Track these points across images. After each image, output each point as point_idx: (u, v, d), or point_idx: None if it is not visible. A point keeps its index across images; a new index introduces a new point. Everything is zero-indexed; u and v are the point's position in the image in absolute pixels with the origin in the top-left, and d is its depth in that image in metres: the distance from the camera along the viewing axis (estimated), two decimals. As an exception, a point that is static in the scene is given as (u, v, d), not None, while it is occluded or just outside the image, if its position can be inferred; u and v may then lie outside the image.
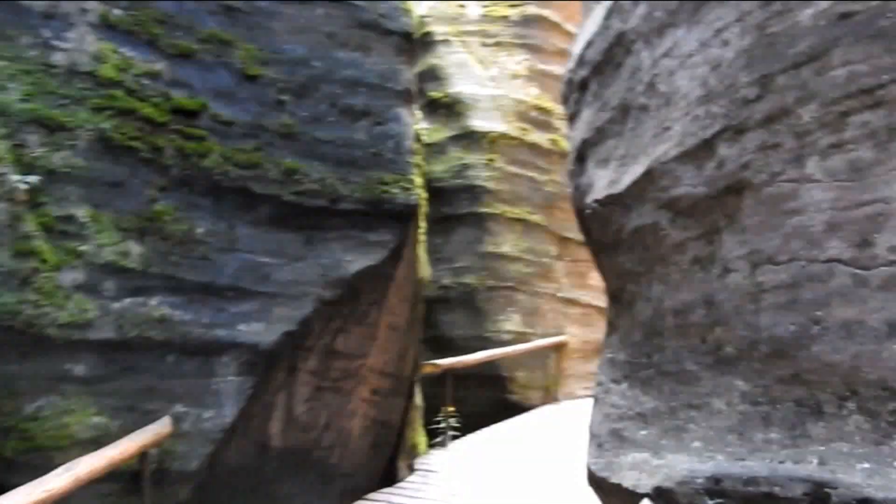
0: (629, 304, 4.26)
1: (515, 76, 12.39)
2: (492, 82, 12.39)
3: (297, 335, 5.64)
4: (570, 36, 12.95)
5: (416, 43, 6.81)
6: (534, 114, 12.33)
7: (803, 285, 2.86)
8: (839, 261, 2.72)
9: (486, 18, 12.76)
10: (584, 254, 12.80)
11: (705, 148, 3.40)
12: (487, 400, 11.12)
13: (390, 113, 6.28)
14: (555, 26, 12.74)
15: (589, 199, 4.55)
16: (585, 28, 4.88)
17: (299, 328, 5.65)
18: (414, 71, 6.92)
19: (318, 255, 5.82)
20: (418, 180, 6.34)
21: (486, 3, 12.89)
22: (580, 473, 7.49)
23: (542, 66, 12.56)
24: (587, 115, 4.64)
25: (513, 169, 11.97)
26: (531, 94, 12.40)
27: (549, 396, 11.73)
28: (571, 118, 5.07)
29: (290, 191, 5.77)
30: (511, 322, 11.64)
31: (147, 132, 5.24)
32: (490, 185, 11.79)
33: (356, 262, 5.90)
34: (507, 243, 11.80)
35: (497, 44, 12.64)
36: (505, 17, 12.69)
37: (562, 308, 12.27)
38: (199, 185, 5.42)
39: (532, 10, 12.65)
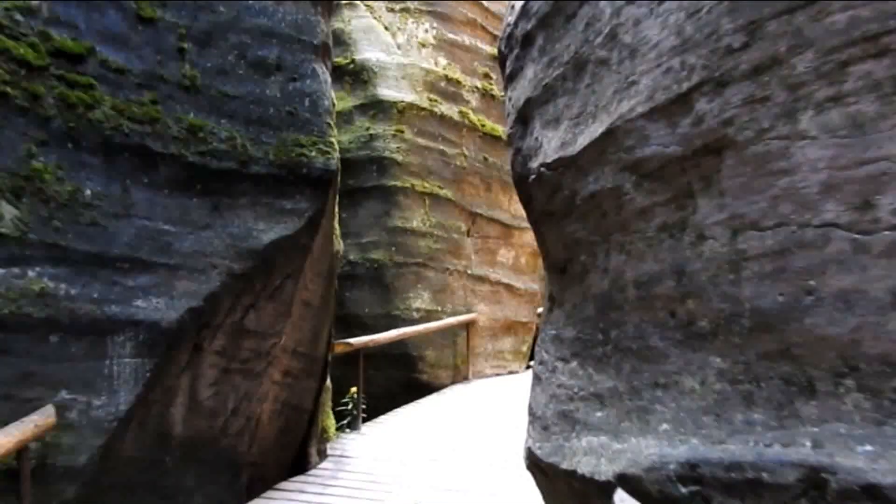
0: (580, 277, 3.97)
1: (423, 44, 11.95)
2: (399, 50, 11.90)
3: (203, 312, 5.05)
4: (480, 6, 12.63)
5: (332, -6, 6.27)
6: (443, 84, 11.94)
7: (794, 252, 2.61)
8: (836, 225, 2.47)
9: (394, -17, 12.23)
10: (493, 230, 12.62)
11: (680, 103, 3.11)
12: (396, 380, 10.76)
13: (306, 68, 5.72)
14: (465, -5, 12.38)
15: (534, 164, 4.22)
16: (527, -21, 4.52)
17: (205, 304, 5.07)
18: (331, 25, 6.37)
19: (226, 223, 5.23)
20: (336, 143, 5.83)
21: (395, -33, 12.35)
22: (501, 455, 7.33)
23: (451, 36, 12.17)
24: (532, 72, 4.30)
25: (422, 141, 11.57)
26: (440, 63, 12.00)
27: (459, 375, 11.50)
28: (511, 77, 4.71)
29: (193, 150, 5.14)
30: (420, 300, 11.29)
31: (22, 77, 4.47)
32: (398, 157, 11.34)
33: (269, 231, 5.36)
34: (416, 218, 11.41)
35: (404, 10, 12.14)
36: (414, -17, 12.20)
37: (471, 285, 12.03)
38: (88, 141, 4.71)
39: (442, -24, 12.23)
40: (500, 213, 12.57)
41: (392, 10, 12.12)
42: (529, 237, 13.25)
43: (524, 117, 4.40)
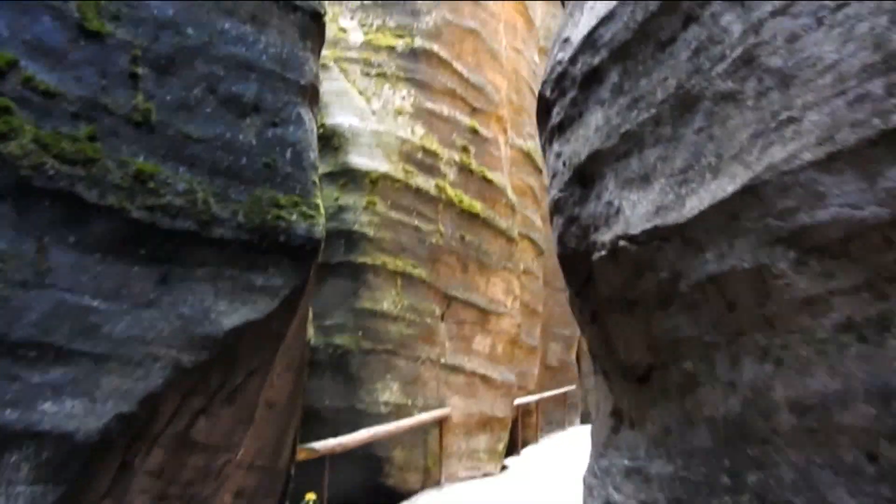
0: (680, 391, 2.87)
1: (400, 112, 11.06)
2: (374, 116, 10.97)
3: (136, 419, 3.75)
4: (459, 76, 11.89)
5: (324, 27, 5.24)
6: (419, 155, 11.00)
7: None
8: None
9: (369, 46, 11.39)
10: (469, 315, 11.49)
11: (881, 146, 2.12)
12: (358, 484, 9.30)
13: (290, 112, 4.62)
14: (444, 64, 11.60)
15: (604, 236, 3.16)
16: (585, 7, 3.58)
17: (140, 409, 3.77)
18: (320, 63, 5.34)
19: (176, 300, 3.99)
20: (322, 207, 4.70)
21: (370, 30, 11.55)
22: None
23: (429, 105, 11.32)
24: (600, 118, 3.29)
25: (395, 215, 10.51)
26: (417, 133, 11.09)
27: (430, 479, 10.09)
28: (561, 127, 3.70)
29: (140, 204, 3.94)
30: (389, 391, 9.98)
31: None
32: (369, 231, 10.23)
33: (233, 313, 4.12)
34: (386, 299, 10.22)
35: (380, 75, 11.28)
36: (390, 48, 11.39)
37: (444, 376, 10.78)
38: (-5, 183, 3.48)
39: (420, 42, 11.45)
40: (477, 297, 11.48)
41: (367, 75, 11.25)
42: (507, 323, 12.15)
43: (586, 176, 3.37)
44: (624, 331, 3.25)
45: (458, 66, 11.80)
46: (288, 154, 4.54)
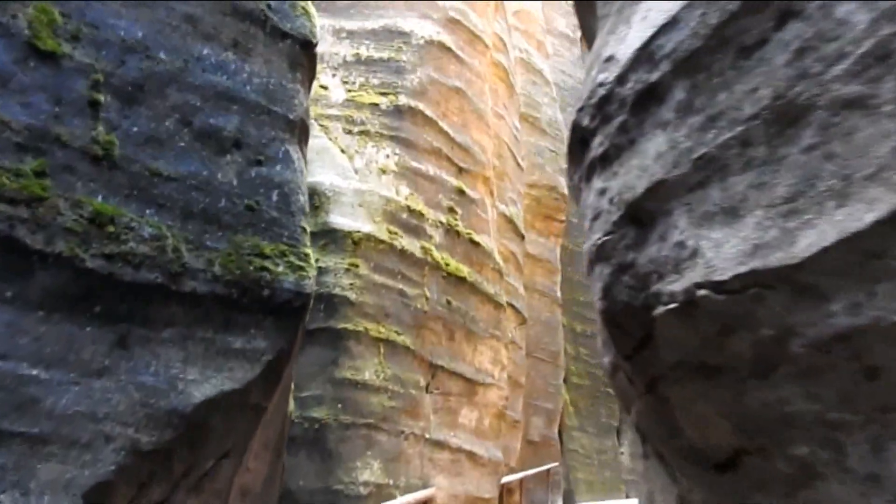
0: (788, 484, 2.22)
1: (384, 171, 10.55)
2: (356, 175, 10.44)
3: (81, 518, 2.99)
4: (445, 135, 11.47)
5: (315, 58, 4.70)
6: (404, 216, 10.45)
7: None
8: None
9: (351, 104, 10.95)
10: (456, 386, 10.74)
11: None
12: (336, 578, 8.35)
13: (276, 149, 4.02)
14: (430, 122, 11.18)
15: (676, 285, 2.55)
16: (634, 17, 3.09)
17: (86, 502, 3.02)
18: (310, 97, 4.78)
19: (136, 367, 3.28)
20: (313, 258, 4.06)
21: (353, 87, 11.14)
22: None
23: (414, 164, 10.84)
24: (661, 144, 2.73)
25: (379, 278, 9.86)
26: (402, 193, 10.56)
27: (415, 572, 9.15)
28: (605, 160, 3.14)
29: (96, 251, 3.27)
30: (369, 470, 9.12)
31: None
32: (351, 295, 9.55)
33: (204, 383, 3.42)
34: (368, 369, 9.47)
35: (363, 132, 10.80)
36: (374, 105, 10.96)
37: (429, 453, 9.95)
38: (-88, 221, 2.80)
39: (405, 100, 11.04)
40: (464, 367, 10.77)
41: (350, 133, 10.77)
42: (494, 395, 11.41)
43: (644, 213, 2.79)
44: (697, 405, 2.62)
45: (443, 125, 11.40)
46: (274, 196, 3.92)
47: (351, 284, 9.56)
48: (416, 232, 10.55)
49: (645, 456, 3.26)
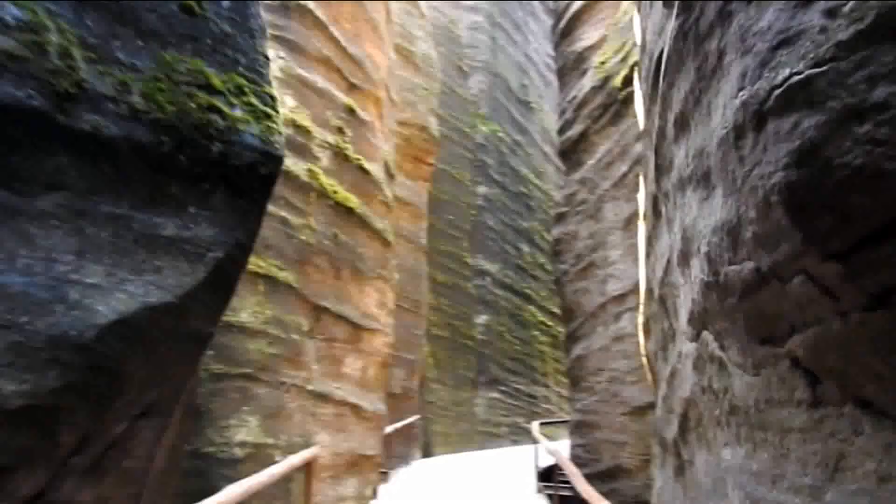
0: None
1: (266, 78, 8.86)
2: (232, 80, 8.68)
3: None
4: (338, 46, 9.91)
5: None
6: (290, 132, 8.85)
7: None
8: None
9: (226, -5, 9.09)
10: (341, 331, 9.39)
11: None
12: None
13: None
14: (320, 25, 9.57)
15: None
16: None
17: None
18: None
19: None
20: (279, 105, 2.63)
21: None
22: None
23: (301, 72, 9.23)
24: None
25: (259, 202, 8.26)
26: (287, 104, 8.94)
27: (299, 543, 7.84)
28: None
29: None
30: (246, 429, 7.66)
31: None
32: (226, 220, 7.90)
33: (115, 292, 1.96)
34: (245, 309, 7.92)
35: (240, 32, 9.01)
36: None
37: (312, 406, 8.61)
38: None
39: (292, -2, 9.35)
40: (350, 310, 9.44)
41: (223, 27, 8.93)
42: (379, 342, 10.21)
43: None
44: None
45: (334, 30, 9.82)
46: (225, 5, 2.43)
47: (226, 207, 7.90)
48: (302, 152, 9.01)
49: (815, 403, 2.23)
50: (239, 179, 2.39)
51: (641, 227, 5.54)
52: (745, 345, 2.45)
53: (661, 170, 3.29)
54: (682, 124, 2.80)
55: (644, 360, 5.14)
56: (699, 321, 2.87)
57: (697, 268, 2.66)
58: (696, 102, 2.54)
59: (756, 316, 2.39)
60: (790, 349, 2.27)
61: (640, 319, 5.11)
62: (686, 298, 3.04)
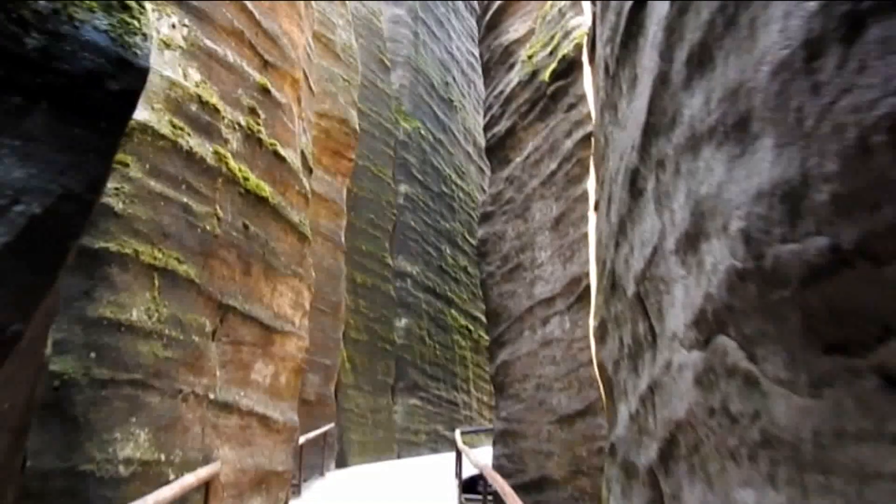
0: None
1: (168, 44, 7.86)
2: (128, 48, 7.65)
3: None
4: (250, 16, 8.99)
5: None
6: (194, 108, 7.89)
7: None
8: None
9: (124, -46, 8.05)
10: (250, 333, 8.45)
11: None
12: None
13: None
14: (232, -4, 8.64)
15: None
16: None
17: None
18: None
19: None
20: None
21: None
22: None
23: (208, 44, 8.27)
24: None
25: (157, 185, 7.28)
26: (192, 78, 7.97)
27: (194, 574, 6.89)
28: None
29: None
30: (134, 443, 6.65)
31: None
32: (116, 204, 6.89)
33: None
34: (136, 306, 6.92)
35: (140, -5, 7.99)
36: (156, -38, 8.17)
37: (214, 418, 7.66)
38: None
39: (200, -38, 8.38)
40: (260, 310, 8.53)
41: (120, -12, 7.89)
42: (293, 346, 9.31)
43: None
44: None
45: (247, 2, 8.90)
46: None
47: (117, 190, 6.88)
48: (209, 131, 8.06)
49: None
50: (72, 95, 1.59)
51: (592, 218, 4.94)
52: (797, 354, 1.81)
53: (654, 131, 2.65)
54: (702, 59, 2.15)
55: (596, 368, 4.50)
56: (714, 323, 2.24)
57: (721, 252, 2.02)
58: (730, 23, 1.89)
59: (823, 313, 1.74)
60: (881, 361, 1.62)
61: (592, 322, 4.45)
62: (689, 294, 2.40)
